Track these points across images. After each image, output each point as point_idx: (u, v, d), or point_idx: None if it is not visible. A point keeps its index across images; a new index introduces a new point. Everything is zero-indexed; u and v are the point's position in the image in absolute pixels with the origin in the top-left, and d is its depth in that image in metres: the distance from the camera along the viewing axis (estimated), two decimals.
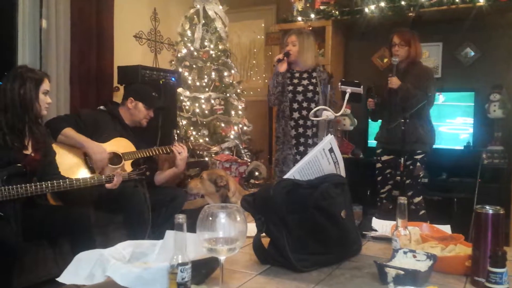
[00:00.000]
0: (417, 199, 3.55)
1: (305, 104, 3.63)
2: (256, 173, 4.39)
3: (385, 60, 4.85)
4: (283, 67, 3.60)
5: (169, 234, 1.29)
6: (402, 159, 3.45)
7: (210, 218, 1.12)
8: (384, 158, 3.71)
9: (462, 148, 4.23)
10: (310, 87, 3.63)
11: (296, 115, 3.62)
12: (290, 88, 3.65)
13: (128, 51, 4.52)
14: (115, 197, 2.68)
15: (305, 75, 3.68)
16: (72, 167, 2.81)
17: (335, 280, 1.37)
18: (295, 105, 3.62)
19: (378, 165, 3.77)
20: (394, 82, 3.42)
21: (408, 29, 3.67)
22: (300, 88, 3.64)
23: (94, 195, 2.67)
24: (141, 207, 2.75)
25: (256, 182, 4.30)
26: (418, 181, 3.54)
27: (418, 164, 3.52)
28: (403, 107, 3.40)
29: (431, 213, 3.59)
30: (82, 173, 2.84)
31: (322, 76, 3.66)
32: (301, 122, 3.62)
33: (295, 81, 3.67)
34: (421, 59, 3.72)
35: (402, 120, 3.37)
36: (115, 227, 2.94)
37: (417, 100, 3.39)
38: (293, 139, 3.64)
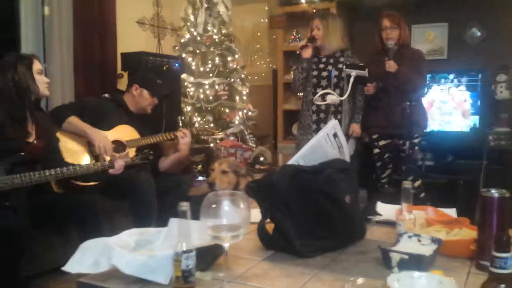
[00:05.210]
0: (417, 183, 3.56)
1: (329, 90, 3.54)
2: (261, 159, 4.39)
3: None
4: (307, 53, 3.52)
5: (173, 221, 1.30)
6: (401, 141, 3.47)
7: (214, 206, 1.11)
8: (382, 143, 3.67)
9: (468, 130, 4.20)
10: (336, 73, 3.55)
11: (319, 100, 3.54)
12: (315, 73, 3.58)
13: (131, 37, 4.50)
14: (120, 183, 2.69)
15: (331, 60, 3.59)
16: (75, 154, 2.82)
17: (340, 265, 1.37)
18: (319, 91, 3.50)
19: (376, 150, 3.72)
20: (392, 65, 3.38)
21: (394, 11, 3.61)
22: (325, 74, 3.57)
23: (99, 181, 2.68)
24: (146, 193, 2.76)
25: (261, 167, 4.30)
26: (417, 165, 3.58)
27: (416, 148, 3.57)
28: (402, 90, 3.38)
29: (436, 196, 3.58)
30: (86, 160, 2.85)
31: (350, 61, 3.52)
32: (323, 107, 3.55)
33: (321, 66, 3.60)
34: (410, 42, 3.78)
35: (407, 103, 3.35)
36: (122, 214, 2.95)
37: (414, 84, 3.40)
38: (314, 124, 3.60)
